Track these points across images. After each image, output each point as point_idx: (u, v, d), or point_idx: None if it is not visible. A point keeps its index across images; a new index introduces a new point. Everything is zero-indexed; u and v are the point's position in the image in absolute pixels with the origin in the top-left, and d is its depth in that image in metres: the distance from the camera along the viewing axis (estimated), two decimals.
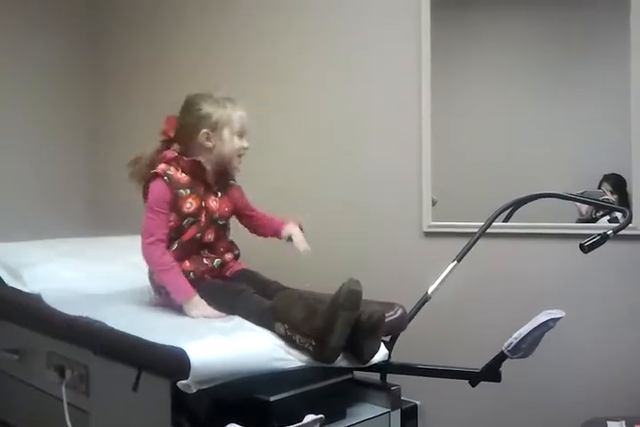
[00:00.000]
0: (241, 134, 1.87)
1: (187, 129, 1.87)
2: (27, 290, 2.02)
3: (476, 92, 2.43)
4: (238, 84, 2.55)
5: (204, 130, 1.84)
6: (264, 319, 1.55)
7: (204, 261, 1.84)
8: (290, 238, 1.90)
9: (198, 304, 1.73)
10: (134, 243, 2.30)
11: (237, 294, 1.70)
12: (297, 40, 2.58)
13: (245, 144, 1.88)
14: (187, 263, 1.81)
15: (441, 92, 2.28)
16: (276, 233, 1.96)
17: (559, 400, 2.05)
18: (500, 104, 2.40)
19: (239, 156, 1.89)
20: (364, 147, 2.41)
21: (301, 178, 2.56)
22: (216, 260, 1.86)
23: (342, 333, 1.46)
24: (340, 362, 1.51)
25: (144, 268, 1.92)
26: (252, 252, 1.97)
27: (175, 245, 1.80)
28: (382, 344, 1.64)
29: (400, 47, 2.32)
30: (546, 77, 2.36)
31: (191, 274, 1.79)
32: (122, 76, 3.19)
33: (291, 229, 1.92)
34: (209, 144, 1.84)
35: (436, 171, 2.27)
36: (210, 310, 1.71)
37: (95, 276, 2.21)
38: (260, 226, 2.00)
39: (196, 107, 1.87)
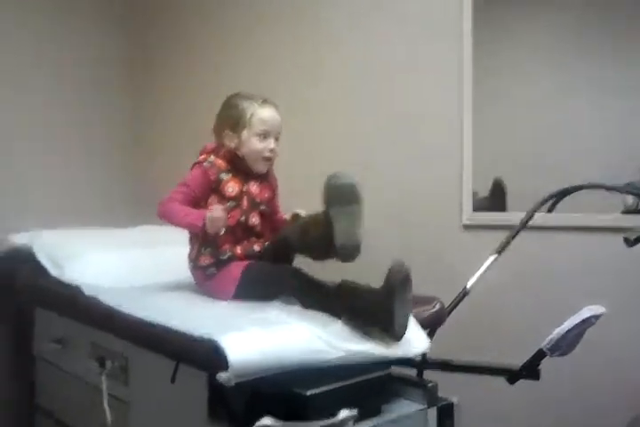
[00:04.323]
0: (264, 136, 1.86)
1: (216, 128, 1.92)
2: (68, 280, 2.05)
3: (522, 80, 2.36)
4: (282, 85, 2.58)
5: (227, 130, 1.88)
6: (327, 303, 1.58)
7: (255, 247, 1.86)
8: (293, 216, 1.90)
9: (212, 219, 1.75)
10: (177, 234, 2.35)
11: (292, 273, 1.72)
12: (331, 34, 2.56)
13: (270, 146, 1.87)
14: (238, 250, 1.83)
15: (484, 79, 2.22)
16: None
17: (601, 397, 2.01)
18: (546, 94, 2.33)
19: (265, 159, 1.88)
20: (405, 138, 2.38)
21: (338, 169, 2.53)
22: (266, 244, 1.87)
23: (404, 309, 1.50)
24: (352, 346, 1.48)
25: (186, 259, 1.94)
26: None
27: (223, 230, 1.81)
28: (424, 334, 1.64)
29: (441, 33, 2.28)
30: (594, 64, 2.29)
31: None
32: (164, 73, 3.22)
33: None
34: (230, 145, 1.88)
35: (478, 160, 2.23)
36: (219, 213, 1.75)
37: (136, 267, 2.24)
38: (274, 228, 1.97)
39: (226, 106, 1.92)
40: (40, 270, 2.20)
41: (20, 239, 2.41)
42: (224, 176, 1.85)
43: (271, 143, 1.87)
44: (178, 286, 2.02)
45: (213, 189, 1.85)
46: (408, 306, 1.54)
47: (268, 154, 1.88)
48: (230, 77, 2.88)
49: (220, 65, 2.96)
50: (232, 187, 1.85)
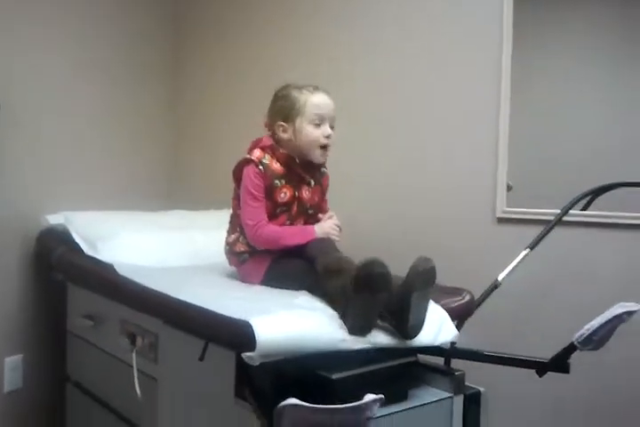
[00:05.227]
0: (319, 123, 1.83)
1: (269, 121, 1.90)
2: (102, 259, 2.08)
3: (558, 75, 2.33)
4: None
5: (279, 122, 1.85)
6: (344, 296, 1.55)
7: None
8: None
9: (321, 229, 1.83)
10: (210, 220, 2.38)
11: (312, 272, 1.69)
12: (374, 29, 2.55)
13: (327, 132, 1.83)
14: None
15: (520, 73, 2.19)
16: None
17: (632, 394, 1.99)
18: (584, 88, 2.30)
19: (322, 147, 1.85)
20: (440, 130, 2.36)
21: (375, 162, 2.54)
22: None
23: (419, 310, 1.47)
24: (378, 338, 1.47)
25: (219, 243, 1.96)
26: None
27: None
28: (452, 324, 1.62)
29: (480, 33, 2.26)
30: (631, 65, 2.26)
31: None
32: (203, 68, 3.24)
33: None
34: (284, 136, 1.85)
35: (514, 155, 2.21)
36: (331, 228, 1.85)
37: (169, 249, 2.27)
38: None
39: (276, 98, 1.89)
40: (75, 249, 2.23)
41: (56, 219, 2.45)
42: (278, 182, 1.83)
43: (327, 129, 1.83)
44: (210, 269, 2.05)
45: (266, 193, 1.82)
46: (425, 305, 1.51)
47: (324, 141, 1.83)
48: (272, 66, 2.88)
49: (262, 52, 2.96)
50: (285, 193, 1.84)
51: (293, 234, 1.81)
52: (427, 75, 2.39)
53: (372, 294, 1.41)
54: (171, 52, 3.24)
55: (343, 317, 1.47)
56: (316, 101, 1.83)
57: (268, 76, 2.77)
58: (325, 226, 1.84)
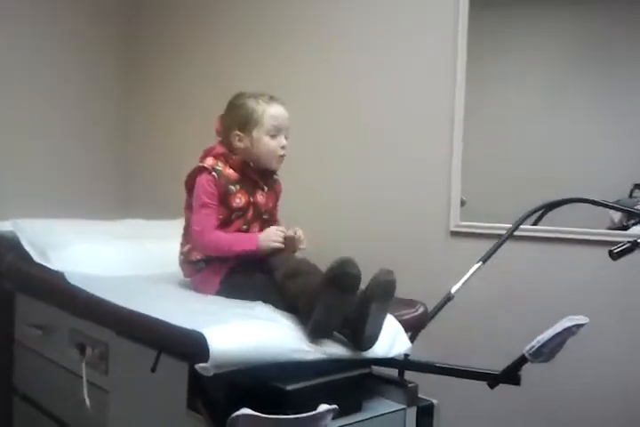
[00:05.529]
0: (275, 134, 1.85)
1: (223, 129, 1.90)
2: (52, 268, 2.03)
3: (512, 91, 2.39)
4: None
5: (235, 131, 1.86)
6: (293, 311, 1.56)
7: None
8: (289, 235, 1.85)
9: (267, 236, 1.78)
10: (163, 229, 2.35)
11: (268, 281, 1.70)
12: (334, 29, 2.57)
13: (282, 143, 1.86)
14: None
15: (475, 89, 2.24)
16: None
17: (578, 405, 2.03)
18: (536, 105, 2.36)
19: (279, 157, 1.87)
20: (393, 143, 2.39)
21: (325, 173, 2.55)
22: None
23: (376, 321, 1.48)
24: (333, 349, 1.47)
25: (173, 253, 1.94)
26: None
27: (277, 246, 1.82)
28: (406, 336, 1.64)
29: (435, 38, 2.29)
30: (585, 81, 2.33)
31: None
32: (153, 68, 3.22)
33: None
34: (240, 145, 1.86)
35: (467, 171, 2.25)
36: (275, 235, 1.79)
37: (122, 258, 2.23)
38: None
39: (232, 107, 1.90)
40: (24, 257, 2.18)
41: (4, 226, 2.39)
42: (232, 188, 1.83)
43: (283, 140, 1.86)
44: (163, 279, 2.02)
45: (221, 199, 1.82)
46: (382, 317, 1.52)
47: (281, 152, 1.87)
48: (224, 70, 2.88)
49: (213, 59, 2.96)
50: (240, 198, 1.84)
51: (237, 240, 1.80)
52: (380, 90, 2.42)
53: (341, 293, 1.42)
54: (122, 57, 3.22)
55: (306, 318, 1.47)
56: (273, 113, 1.85)
57: (220, 80, 2.77)
58: (270, 231, 1.80)
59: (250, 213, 1.87)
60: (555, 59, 2.37)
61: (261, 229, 1.88)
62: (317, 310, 1.44)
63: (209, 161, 1.85)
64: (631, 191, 2.23)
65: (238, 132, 1.86)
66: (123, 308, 1.62)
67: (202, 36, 3.01)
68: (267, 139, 1.84)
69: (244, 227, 1.86)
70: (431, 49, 2.31)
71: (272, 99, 1.88)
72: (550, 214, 2.06)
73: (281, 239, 1.79)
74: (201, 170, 1.84)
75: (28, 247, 2.19)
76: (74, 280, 1.88)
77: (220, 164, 1.85)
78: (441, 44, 2.27)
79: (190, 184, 1.88)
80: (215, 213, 1.82)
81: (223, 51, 2.92)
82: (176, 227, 2.00)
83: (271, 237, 1.78)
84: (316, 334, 1.46)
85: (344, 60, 2.51)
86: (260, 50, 2.78)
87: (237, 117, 1.87)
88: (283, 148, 1.86)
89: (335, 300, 1.43)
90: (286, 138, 1.88)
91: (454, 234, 2.26)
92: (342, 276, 1.40)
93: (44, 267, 2.06)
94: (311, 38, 2.62)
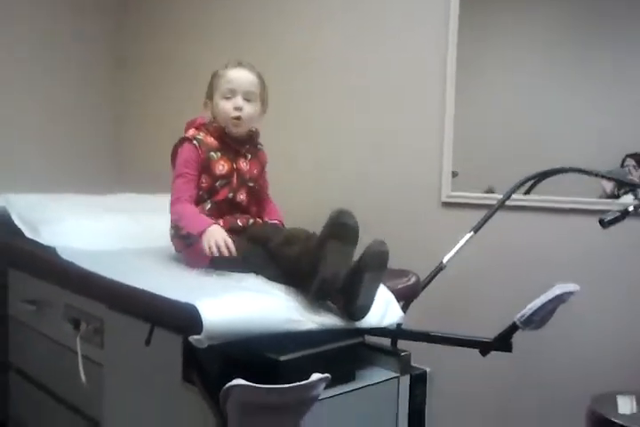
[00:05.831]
0: (230, 96, 1.84)
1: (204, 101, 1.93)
2: (44, 243, 2.03)
3: (504, 62, 2.37)
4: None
5: (206, 99, 1.90)
6: (295, 276, 1.57)
7: (238, 222, 1.84)
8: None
9: (214, 233, 1.68)
10: (156, 203, 2.33)
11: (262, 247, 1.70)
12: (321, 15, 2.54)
13: (236, 104, 1.82)
14: (221, 223, 1.81)
15: (467, 61, 2.23)
16: None
17: (570, 374, 2.05)
18: (530, 76, 2.34)
19: (233, 119, 1.84)
20: (386, 115, 2.38)
21: (317, 145, 2.54)
22: (250, 221, 1.87)
23: (369, 291, 1.50)
24: (325, 319, 1.49)
25: (165, 226, 1.93)
26: None
27: (209, 205, 1.82)
28: (398, 306, 1.65)
29: (426, 17, 2.28)
30: (574, 54, 2.31)
31: None
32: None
33: None
34: (208, 112, 1.89)
35: (459, 142, 2.24)
36: (222, 238, 1.66)
37: (114, 232, 2.21)
38: (261, 207, 1.97)
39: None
40: (15, 232, 2.16)
41: None
42: (214, 155, 1.83)
43: (237, 101, 1.84)
44: (156, 253, 2.01)
45: (204, 167, 1.82)
46: (375, 287, 1.53)
47: (234, 113, 1.83)
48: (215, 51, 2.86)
49: (202, 40, 2.94)
50: (222, 165, 1.84)
51: (192, 221, 1.76)
52: (374, 61, 2.41)
53: (342, 244, 1.44)
54: (113, 43, 3.19)
55: (308, 279, 1.47)
56: (229, 76, 1.85)
57: (210, 58, 2.76)
58: (220, 234, 1.68)
59: (234, 181, 1.86)
60: (543, 34, 2.35)
61: (249, 198, 1.89)
62: (322, 266, 1.45)
63: (190, 132, 1.87)
64: (623, 161, 2.22)
65: (206, 100, 1.90)
66: (115, 282, 1.62)
67: (195, 35, 3.01)
68: (222, 102, 1.85)
69: (230, 195, 1.85)
70: (423, 22, 2.30)
71: (237, 64, 1.88)
72: (542, 185, 2.06)
73: (220, 248, 1.65)
74: (182, 141, 1.86)
75: (19, 222, 2.18)
76: (66, 255, 1.88)
77: (201, 133, 1.86)
78: (433, 16, 2.26)
79: (175, 157, 1.89)
80: (192, 182, 1.82)
81: (216, 50, 2.90)
82: (168, 201, 1.98)
83: (216, 237, 1.66)
84: (320, 293, 1.48)
85: (339, 36, 2.49)
86: (249, 46, 2.77)
87: (209, 86, 1.90)
88: (236, 109, 1.83)
89: (338, 252, 1.45)
90: (249, 101, 1.85)
91: (446, 204, 2.26)
92: (341, 226, 1.44)
93: (36, 242, 2.05)
94: (301, 34, 2.62)
